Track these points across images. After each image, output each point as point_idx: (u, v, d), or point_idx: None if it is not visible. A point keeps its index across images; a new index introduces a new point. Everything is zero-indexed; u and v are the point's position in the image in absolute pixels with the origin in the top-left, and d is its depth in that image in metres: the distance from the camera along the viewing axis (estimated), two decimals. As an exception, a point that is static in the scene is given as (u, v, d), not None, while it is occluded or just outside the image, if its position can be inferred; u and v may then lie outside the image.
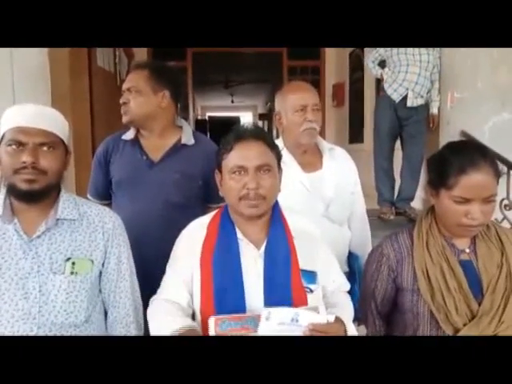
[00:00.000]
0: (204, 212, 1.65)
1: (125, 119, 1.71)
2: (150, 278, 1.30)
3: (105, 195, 1.78)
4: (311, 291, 1.17)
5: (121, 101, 1.69)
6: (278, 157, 1.23)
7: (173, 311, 1.15)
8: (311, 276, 1.19)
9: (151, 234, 1.63)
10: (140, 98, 1.69)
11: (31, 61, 2.95)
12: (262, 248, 1.18)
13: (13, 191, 1.14)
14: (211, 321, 1.03)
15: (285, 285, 1.14)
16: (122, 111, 1.70)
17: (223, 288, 1.13)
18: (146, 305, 1.28)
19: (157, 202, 1.68)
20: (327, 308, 1.20)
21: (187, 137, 1.76)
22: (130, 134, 1.75)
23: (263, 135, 1.20)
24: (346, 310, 1.22)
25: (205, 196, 1.76)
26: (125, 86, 1.71)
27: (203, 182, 1.72)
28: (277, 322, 1.01)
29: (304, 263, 1.18)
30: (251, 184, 1.13)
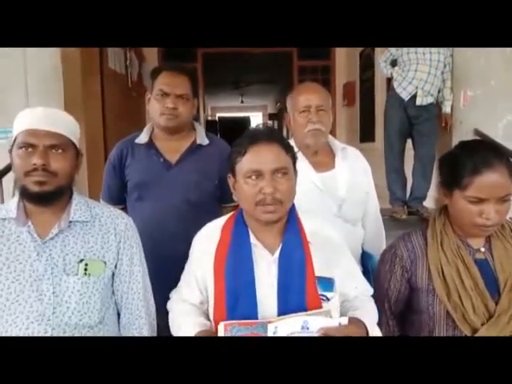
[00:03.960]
0: (221, 211, 1.68)
1: (172, 123, 1.70)
2: (171, 278, 1.32)
3: (119, 199, 1.79)
4: (327, 299, 1.13)
5: (170, 105, 1.67)
6: (294, 159, 1.18)
7: (187, 311, 1.20)
8: (328, 283, 1.14)
9: (172, 235, 1.64)
10: (188, 105, 1.73)
11: (44, 63, 3.00)
12: (276, 253, 1.14)
13: (25, 193, 1.15)
14: (221, 326, 1.02)
15: (299, 292, 1.10)
16: (170, 115, 1.69)
17: (235, 294, 1.11)
18: (165, 303, 1.32)
19: (176, 203, 1.69)
20: (349, 311, 1.16)
21: (201, 137, 1.79)
22: (143, 138, 1.76)
23: (278, 137, 1.16)
24: (368, 312, 1.17)
25: (220, 196, 1.77)
26: (174, 91, 1.68)
27: (219, 182, 1.73)
28: (286, 334, 0.99)
29: (320, 270, 1.14)
30: (268, 189, 1.08)
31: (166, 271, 1.38)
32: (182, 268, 1.29)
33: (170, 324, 1.23)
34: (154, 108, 1.72)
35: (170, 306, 1.29)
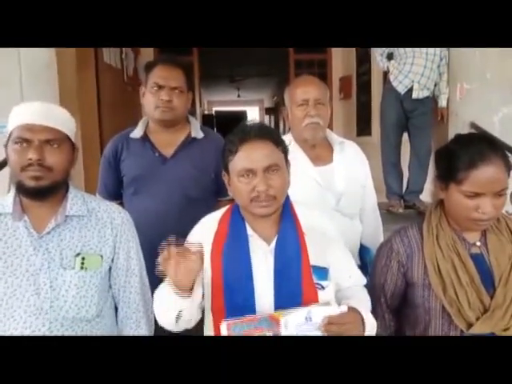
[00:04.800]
0: (217, 205, 1.68)
1: (167, 116, 1.70)
2: None
3: (116, 194, 1.79)
4: (322, 288, 1.15)
5: (165, 98, 1.67)
6: (285, 152, 1.20)
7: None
8: (323, 272, 1.17)
9: (169, 228, 1.62)
10: (183, 97, 1.72)
11: (39, 57, 2.97)
12: (273, 244, 1.16)
13: (21, 188, 1.15)
14: (223, 326, 1.02)
15: (295, 281, 1.13)
16: (165, 108, 1.68)
17: (233, 284, 1.12)
18: None
19: (173, 197, 1.69)
20: (342, 300, 1.18)
21: (196, 130, 1.79)
22: (138, 132, 1.75)
23: (268, 133, 1.17)
24: (362, 301, 1.20)
25: (216, 190, 1.77)
26: (169, 84, 1.68)
27: (215, 176, 1.74)
28: (294, 326, 1.01)
29: (315, 259, 1.16)
30: (261, 186, 1.10)
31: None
32: None
33: (155, 307, 1.16)
34: (149, 101, 1.71)
35: (156, 294, 1.18)
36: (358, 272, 1.31)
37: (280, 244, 1.16)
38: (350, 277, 1.26)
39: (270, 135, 1.16)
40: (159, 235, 1.61)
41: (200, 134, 1.78)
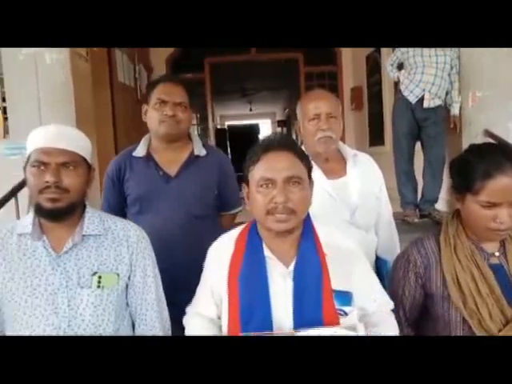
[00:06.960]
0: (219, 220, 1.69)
1: (172, 130, 1.71)
2: (172, 290, 1.32)
3: (119, 213, 1.76)
4: (345, 314, 1.09)
5: (169, 113, 1.68)
6: (309, 168, 1.15)
7: (206, 329, 1.16)
8: (345, 297, 1.10)
9: (174, 247, 1.64)
10: (187, 113, 1.74)
11: (56, 78, 3.04)
12: (292, 266, 1.11)
13: (39, 210, 1.18)
14: None
15: (315, 306, 1.07)
16: (171, 122, 1.69)
17: (250, 308, 1.08)
18: (171, 315, 1.33)
19: (178, 215, 1.69)
20: (368, 328, 1.13)
21: (199, 148, 1.79)
22: (141, 151, 1.75)
23: (292, 145, 1.13)
24: (389, 329, 1.14)
25: (219, 205, 1.78)
26: (173, 99, 1.70)
27: (218, 191, 1.75)
28: None
29: (337, 283, 1.10)
30: (279, 197, 1.05)
31: (167, 284, 1.38)
32: (184, 280, 1.28)
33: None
34: (153, 117, 1.72)
35: (186, 321, 1.25)
36: (385, 295, 1.24)
37: (299, 266, 1.10)
38: (375, 300, 1.19)
39: (294, 147, 1.13)
40: (164, 253, 1.62)
41: (203, 152, 1.78)
